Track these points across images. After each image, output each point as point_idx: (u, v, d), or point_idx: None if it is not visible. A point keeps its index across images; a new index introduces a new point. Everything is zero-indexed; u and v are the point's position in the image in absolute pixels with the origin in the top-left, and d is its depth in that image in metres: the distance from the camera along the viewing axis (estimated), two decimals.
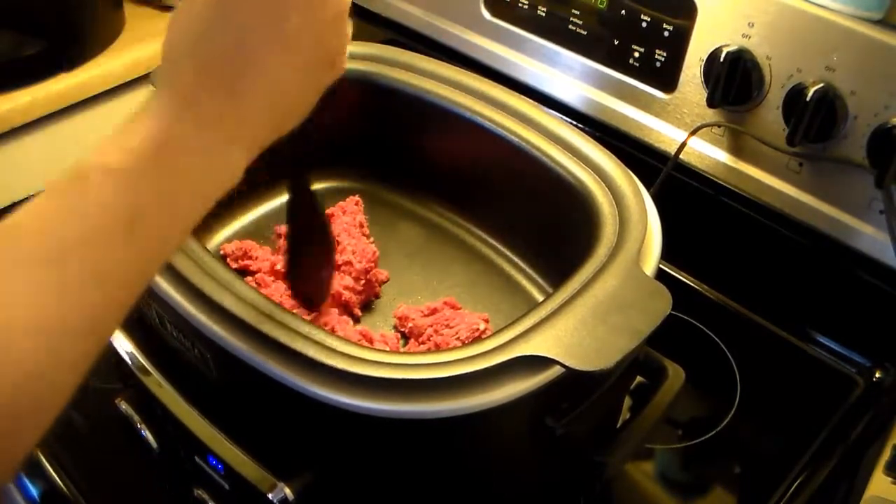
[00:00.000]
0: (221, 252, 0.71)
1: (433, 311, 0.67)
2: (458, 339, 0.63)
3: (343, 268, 0.68)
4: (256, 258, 0.70)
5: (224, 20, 0.40)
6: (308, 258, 0.61)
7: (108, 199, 0.35)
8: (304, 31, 0.42)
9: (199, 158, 0.39)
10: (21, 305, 0.33)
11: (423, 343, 0.65)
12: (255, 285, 0.67)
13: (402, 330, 0.67)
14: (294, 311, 0.64)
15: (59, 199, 0.36)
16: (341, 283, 0.67)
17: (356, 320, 0.68)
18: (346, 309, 0.68)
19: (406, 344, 0.66)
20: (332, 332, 0.58)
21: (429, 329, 0.65)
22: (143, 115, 0.39)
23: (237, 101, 0.40)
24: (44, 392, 0.33)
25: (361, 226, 0.74)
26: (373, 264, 0.70)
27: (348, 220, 0.74)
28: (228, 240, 0.73)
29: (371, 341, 0.64)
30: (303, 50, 0.42)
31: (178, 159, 0.38)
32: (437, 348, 0.64)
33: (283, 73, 0.42)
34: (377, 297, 0.70)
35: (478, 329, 0.64)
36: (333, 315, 0.65)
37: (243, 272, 0.69)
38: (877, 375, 0.75)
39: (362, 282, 0.68)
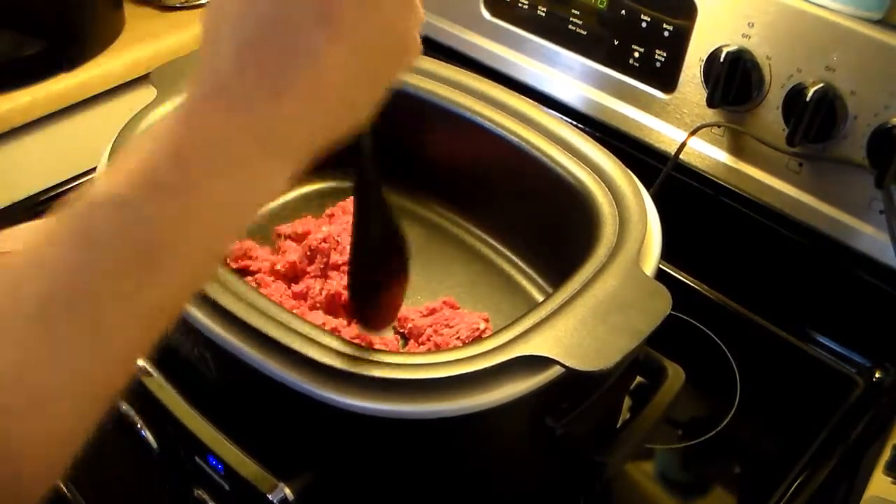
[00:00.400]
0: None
1: (432, 312, 0.67)
2: (458, 338, 0.63)
3: (343, 268, 0.68)
4: (256, 258, 0.70)
5: None
6: (376, 277, 0.52)
7: (109, 234, 0.29)
8: (362, 12, 0.33)
9: (231, 172, 0.31)
10: (8, 363, 0.28)
11: (422, 343, 0.65)
12: (255, 285, 0.67)
13: (402, 331, 0.67)
14: (294, 311, 0.64)
15: (64, 234, 0.30)
16: (341, 283, 0.67)
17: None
18: (346, 309, 0.68)
19: (406, 345, 0.66)
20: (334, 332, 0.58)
21: (428, 329, 0.65)
22: (164, 124, 0.31)
23: (280, 97, 0.32)
24: (28, 468, 0.29)
25: None
26: None
27: (348, 219, 0.74)
28: None
29: (371, 344, 0.64)
30: (362, 35, 0.33)
31: (199, 172, 0.31)
32: (437, 348, 0.64)
33: (336, 63, 0.32)
34: None
35: (478, 328, 0.64)
36: (319, 315, 0.65)
37: (243, 272, 0.69)
38: (877, 375, 0.75)
39: None
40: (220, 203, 0.31)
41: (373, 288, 0.52)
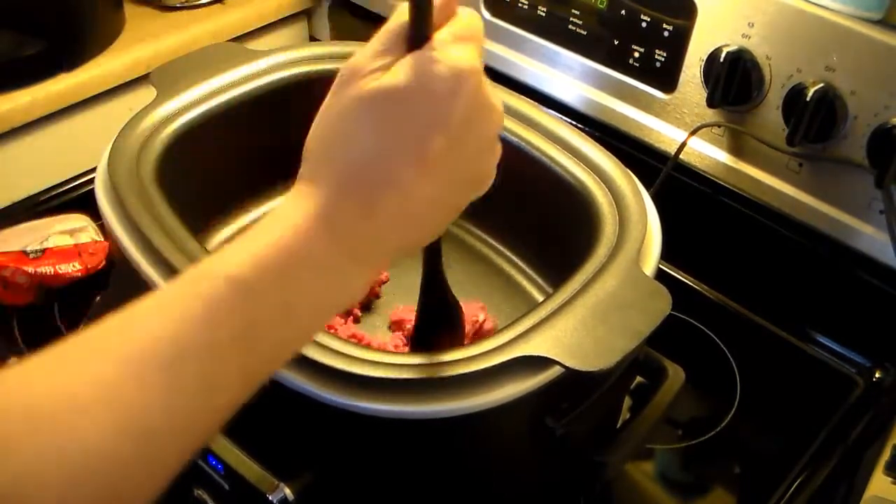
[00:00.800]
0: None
1: None
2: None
3: None
4: None
5: (366, 131, 0.37)
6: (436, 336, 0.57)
7: (227, 309, 0.34)
8: (450, 154, 0.37)
9: (324, 275, 0.37)
10: (130, 398, 0.31)
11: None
12: None
13: (401, 332, 0.67)
14: None
15: (178, 301, 0.34)
16: None
17: (356, 321, 0.68)
18: (345, 309, 0.68)
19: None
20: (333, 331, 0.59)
21: None
22: (274, 222, 0.36)
23: (372, 220, 0.37)
24: (132, 493, 0.32)
25: None
26: None
27: None
28: (228, 240, 0.73)
29: (369, 344, 0.64)
30: (447, 172, 0.38)
31: (303, 274, 0.36)
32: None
33: (423, 195, 0.38)
34: (377, 297, 0.70)
35: (477, 320, 0.64)
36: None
37: None
38: (877, 375, 0.75)
39: None
40: (313, 300, 0.37)
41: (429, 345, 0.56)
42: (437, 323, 0.57)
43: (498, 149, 0.42)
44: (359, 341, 0.64)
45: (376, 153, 0.37)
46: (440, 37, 0.38)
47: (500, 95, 0.41)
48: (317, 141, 0.38)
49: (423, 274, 0.53)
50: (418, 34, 0.38)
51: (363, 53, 0.38)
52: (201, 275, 0.35)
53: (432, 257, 0.53)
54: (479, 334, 0.65)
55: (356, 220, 0.37)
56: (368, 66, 0.37)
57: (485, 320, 0.65)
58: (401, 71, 0.37)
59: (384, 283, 0.71)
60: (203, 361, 0.33)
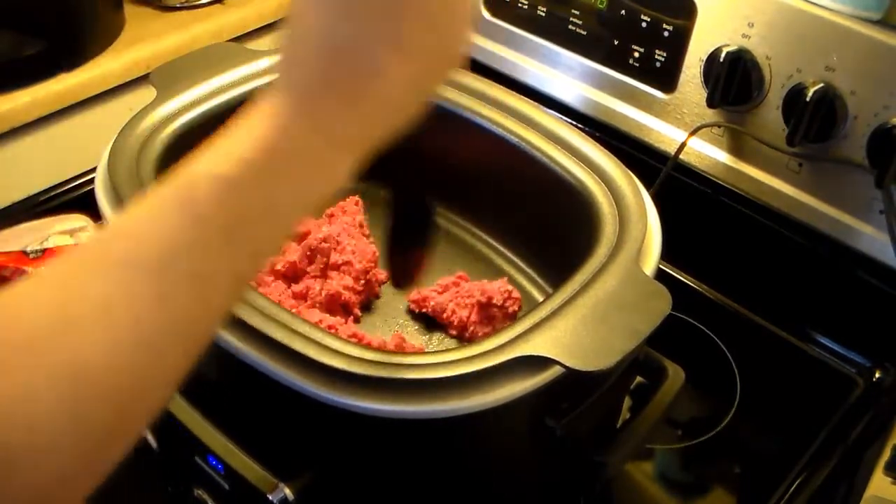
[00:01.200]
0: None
1: (447, 288, 0.68)
2: (493, 305, 0.66)
3: (343, 268, 0.68)
4: None
5: (345, 20, 0.37)
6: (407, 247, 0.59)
7: (213, 208, 0.34)
8: (428, 35, 0.38)
9: (309, 165, 0.37)
10: (120, 309, 0.32)
11: (448, 319, 0.67)
12: (254, 285, 0.67)
13: (425, 311, 0.68)
14: (293, 310, 0.64)
15: (161, 205, 0.34)
16: (341, 282, 0.67)
17: (356, 320, 0.68)
18: (345, 309, 0.68)
19: (429, 328, 0.68)
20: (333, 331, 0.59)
21: (451, 304, 0.67)
22: (255, 119, 0.37)
23: (355, 108, 0.38)
24: (140, 405, 0.33)
25: (361, 226, 0.74)
26: (373, 264, 0.70)
27: (348, 220, 0.74)
28: None
29: (369, 344, 0.64)
30: (426, 53, 0.39)
31: (288, 166, 0.36)
32: (466, 323, 0.66)
33: (403, 78, 0.38)
34: (377, 297, 0.70)
35: (507, 290, 0.67)
36: (316, 313, 0.66)
37: None
38: (877, 375, 0.75)
39: (362, 282, 0.68)
40: (298, 192, 0.37)
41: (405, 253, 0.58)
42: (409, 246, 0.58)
43: (470, 36, 0.41)
44: (359, 341, 0.64)
45: (357, 41, 0.37)
46: None
47: None
48: (301, 33, 0.38)
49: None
50: None
51: None
52: (186, 177, 0.35)
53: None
54: (503, 309, 0.66)
55: (339, 110, 0.37)
56: None
57: (512, 291, 0.67)
58: None
59: (384, 283, 0.71)
60: (194, 261, 0.33)
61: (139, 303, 0.32)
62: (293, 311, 0.62)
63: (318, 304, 0.67)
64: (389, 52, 0.37)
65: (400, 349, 0.65)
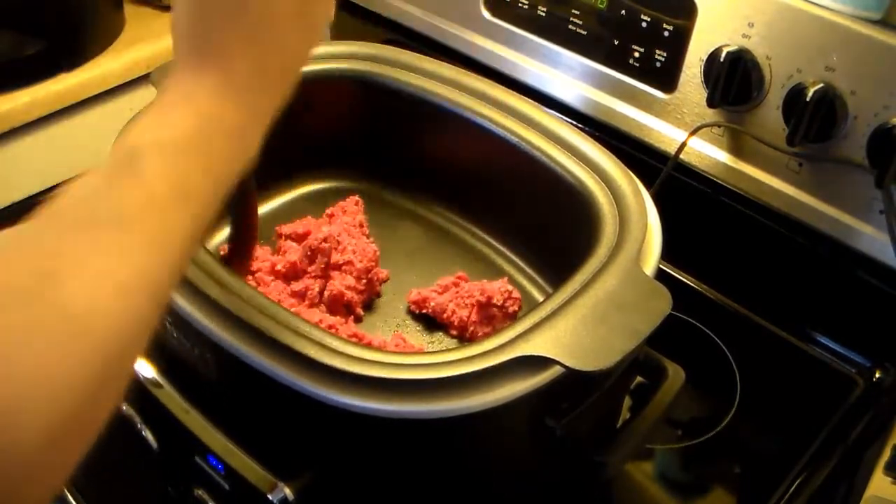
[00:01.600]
0: (221, 252, 0.71)
1: (447, 288, 0.68)
2: (493, 305, 0.66)
3: (344, 267, 0.68)
4: (256, 258, 0.70)
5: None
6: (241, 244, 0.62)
7: (164, 170, 0.37)
8: None
9: (233, 138, 0.41)
10: (91, 264, 0.34)
11: (448, 320, 0.67)
12: (254, 285, 0.67)
13: (425, 312, 0.68)
14: (293, 310, 0.64)
15: (113, 171, 0.37)
16: (343, 282, 0.67)
17: (358, 320, 0.68)
18: (348, 309, 0.68)
19: (429, 329, 0.68)
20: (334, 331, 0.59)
21: (450, 305, 0.67)
22: (181, 98, 0.40)
23: (265, 76, 0.42)
24: (123, 355, 0.35)
25: (361, 226, 0.74)
26: (374, 263, 0.70)
27: (348, 220, 0.74)
28: (228, 239, 0.73)
29: (370, 343, 0.64)
30: (313, 16, 0.44)
31: (217, 140, 0.40)
32: (466, 324, 0.66)
33: (300, 39, 0.44)
34: (378, 296, 0.71)
35: (507, 290, 0.66)
36: (316, 312, 0.66)
37: None
38: (877, 375, 0.75)
39: (364, 281, 0.68)
40: (226, 163, 0.41)
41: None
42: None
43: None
44: (359, 340, 0.64)
45: (264, 16, 0.41)
46: None
47: None
48: (193, 18, 0.42)
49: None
50: None
51: None
52: (128, 147, 0.38)
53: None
54: (503, 309, 0.66)
55: (253, 79, 0.41)
56: None
57: (512, 291, 0.67)
58: None
59: (384, 281, 0.71)
60: (150, 219, 0.36)
61: (106, 258, 0.34)
62: (293, 310, 0.62)
63: (320, 304, 0.67)
64: (289, 21, 0.42)
65: (400, 349, 0.65)
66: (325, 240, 0.68)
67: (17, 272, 0.33)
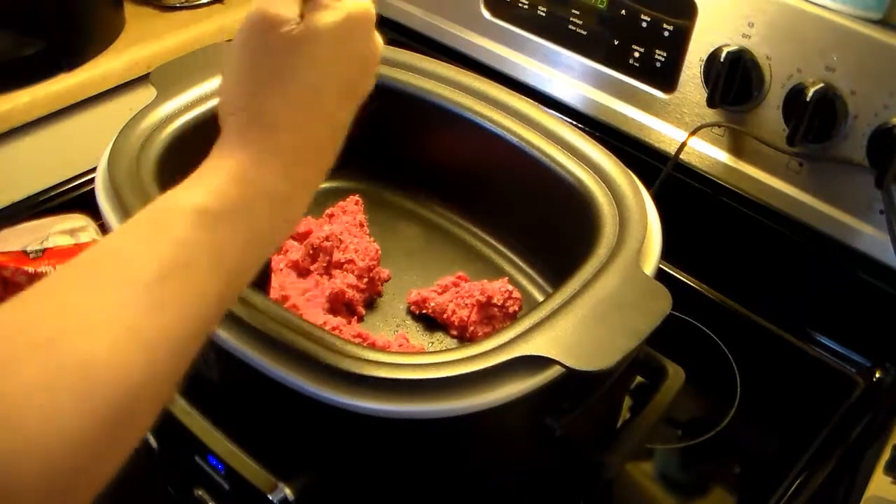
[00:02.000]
0: None
1: (447, 288, 0.68)
2: (493, 305, 0.66)
3: (346, 266, 0.69)
4: None
5: (301, 71, 0.42)
6: None
7: (202, 234, 0.38)
8: (358, 83, 0.45)
9: (277, 205, 0.41)
10: (118, 319, 0.34)
11: (448, 320, 0.67)
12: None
13: (425, 312, 0.68)
14: (294, 306, 0.64)
15: (149, 229, 0.38)
16: (344, 281, 0.67)
17: (360, 319, 0.68)
18: (349, 308, 0.68)
19: (430, 329, 0.68)
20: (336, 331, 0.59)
21: (450, 305, 0.67)
22: (227, 164, 0.41)
23: (312, 150, 0.43)
24: (139, 410, 0.34)
25: (362, 225, 0.74)
26: (375, 262, 0.70)
27: (348, 219, 0.74)
28: None
29: (373, 344, 0.64)
30: (355, 99, 0.45)
31: (259, 205, 0.40)
32: (466, 324, 0.66)
33: (343, 119, 0.45)
34: (379, 295, 0.71)
35: (507, 290, 0.66)
36: (320, 314, 0.66)
37: None
38: (877, 375, 0.75)
39: (365, 280, 0.69)
40: (268, 229, 0.42)
41: None
42: None
43: (376, 51, 0.48)
44: (363, 340, 0.64)
45: (313, 90, 0.42)
46: None
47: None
48: (242, 87, 0.43)
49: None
50: None
51: (271, 4, 0.42)
52: (167, 208, 0.38)
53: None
54: (503, 309, 0.66)
55: (299, 149, 0.42)
56: (284, 15, 0.42)
57: (512, 291, 0.67)
58: (318, 19, 0.42)
59: (386, 281, 0.71)
60: (184, 279, 0.36)
61: (133, 314, 0.34)
62: (294, 306, 0.62)
63: (321, 302, 0.67)
64: (339, 98, 0.44)
65: (403, 349, 0.65)
66: (326, 238, 0.68)
67: (40, 323, 0.33)
